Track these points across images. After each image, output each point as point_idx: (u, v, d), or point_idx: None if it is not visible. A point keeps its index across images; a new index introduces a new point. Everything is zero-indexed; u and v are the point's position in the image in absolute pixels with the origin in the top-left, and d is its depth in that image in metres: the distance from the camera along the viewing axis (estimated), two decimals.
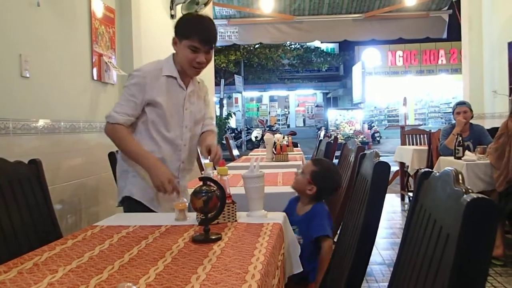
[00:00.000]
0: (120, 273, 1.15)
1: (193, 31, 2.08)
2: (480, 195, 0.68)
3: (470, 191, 0.74)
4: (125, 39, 3.93)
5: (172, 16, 5.38)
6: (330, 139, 4.54)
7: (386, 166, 1.36)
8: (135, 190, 2.14)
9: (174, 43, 2.16)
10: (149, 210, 2.13)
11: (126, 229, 1.60)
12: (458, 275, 0.68)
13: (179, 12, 5.49)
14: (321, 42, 22.09)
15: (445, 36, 8.72)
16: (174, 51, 2.21)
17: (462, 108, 4.52)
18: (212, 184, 1.50)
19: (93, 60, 3.36)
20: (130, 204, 2.13)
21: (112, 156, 2.73)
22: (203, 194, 1.46)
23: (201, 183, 1.51)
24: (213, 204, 1.47)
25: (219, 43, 8.91)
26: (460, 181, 0.82)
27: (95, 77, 3.38)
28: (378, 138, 20.51)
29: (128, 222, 1.71)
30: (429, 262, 0.85)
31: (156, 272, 1.14)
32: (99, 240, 1.46)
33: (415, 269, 0.94)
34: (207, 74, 7.02)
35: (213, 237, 1.44)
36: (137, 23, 4.06)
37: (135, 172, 2.14)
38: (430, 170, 1.07)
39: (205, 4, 5.58)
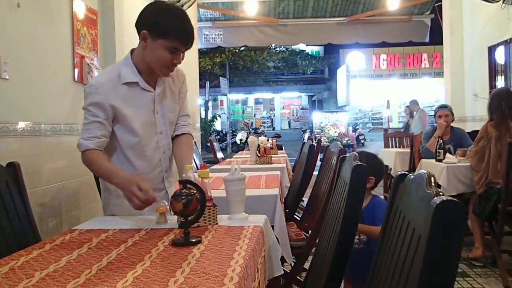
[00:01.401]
0: (98, 277, 1.14)
1: (174, 29, 1.81)
2: (449, 198, 0.69)
3: (440, 193, 0.75)
4: (108, 41, 3.91)
5: None
6: (313, 142, 4.56)
7: (364, 169, 1.37)
8: (117, 211, 1.98)
9: (144, 38, 1.85)
10: None
11: (106, 233, 1.59)
12: (427, 277, 0.69)
13: None
14: (306, 45, 22.18)
15: (427, 40, 8.84)
16: (138, 47, 1.94)
17: (444, 111, 4.59)
18: (192, 187, 1.50)
19: (75, 61, 3.33)
20: None
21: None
22: (183, 197, 1.45)
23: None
24: (193, 207, 1.46)
25: (204, 45, 8.92)
26: (433, 184, 0.83)
27: (76, 79, 3.36)
28: (362, 141, 20.67)
29: (108, 226, 1.69)
30: (402, 264, 0.87)
31: (134, 276, 1.14)
32: (78, 244, 1.45)
33: (389, 272, 0.96)
34: (192, 76, 7.01)
35: (193, 240, 1.44)
36: (120, 24, 4.05)
37: (117, 192, 1.88)
38: (405, 172, 1.09)
39: (189, 6, 5.59)
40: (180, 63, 1.90)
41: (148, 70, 1.93)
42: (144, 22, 1.84)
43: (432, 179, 0.85)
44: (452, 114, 4.63)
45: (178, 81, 2.11)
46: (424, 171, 0.90)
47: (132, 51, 1.99)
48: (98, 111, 1.86)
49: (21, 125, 2.69)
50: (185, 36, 1.83)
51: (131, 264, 1.23)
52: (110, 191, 1.99)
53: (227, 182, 1.81)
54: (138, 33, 1.88)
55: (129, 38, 4.27)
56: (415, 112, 9.28)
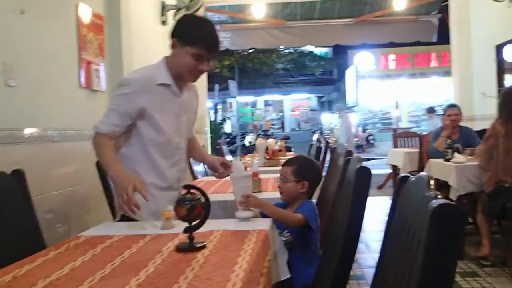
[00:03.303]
0: (101, 284, 1.14)
1: (200, 38, 1.97)
2: (447, 201, 0.68)
3: (439, 196, 0.74)
4: (114, 46, 3.92)
5: (164, 23, 5.39)
6: (320, 144, 4.55)
7: (367, 171, 1.37)
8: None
9: (174, 46, 2.02)
10: None
11: (111, 239, 1.59)
12: (426, 281, 0.68)
13: (170, 18, 5.50)
14: (314, 47, 22.15)
15: (435, 39, 8.78)
16: (170, 55, 2.08)
17: (453, 111, 4.56)
18: (196, 192, 1.50)
19: (81, 67, 3.35)
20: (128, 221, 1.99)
21: (99, 165, 2.71)
22: (187, 202, 1.46)
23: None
24: (197, 212, 1.46)
25: None
26: (432, 186, 0.83)
27: (83, 85, 3.37)
28: (372, 141, 20.57)
29: (113, 232, 1.70)
30: (403, 267, 0.86)
31: (137, 283, 1.14)
32: (82, 251, 1.45)
33: (391, 274, 0.95)
34: (201, 79, 7.03)
35: (198, 246, 1.44)
36: (127, 29, 4.06)
37: None
38: (407, 175, 1.08)
39: (197, 10, 5.61)
40: (206, 70, 2.07)
41: (178, 76, 2.08)
42: (176, 31, 2.03)
43: (432, 182, 0.84)
44: (461, 113, 4.60)
45: (196, 99, 2.33)
46: (424, 173, 0.89)
47: (167, 57, 2.12)
48: (124, 103, 1.99)
49: (28, 131, 2.71)
50: (210, 44, 2.00)
51: (134, 270, 1.24)
52: None
53: (234, 179, 1.91)
54: (171, 41, 2.04)
55: (136, 43, 4.29)
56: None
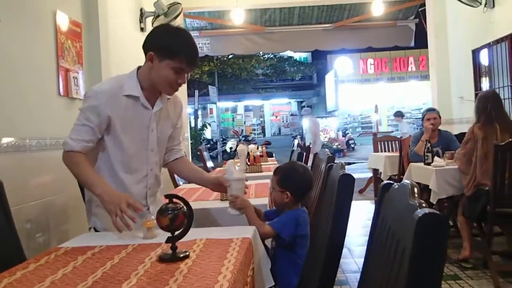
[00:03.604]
0: None
1: (180, 51, 1.87)
2: (431, 210, 0.69)
3: (424, 205, 0.75)
4: (93, 54, 3.88)
5: (142, 29, 5.36)
6: (302, 149, 4.56)
7: (350, 178, 1.37)
8: (98, 223, 2.01)
9: (150, 59, 1.91)
10: None
11: (92, 250, 1.57)
12: None
13: (149, 25, 5.47)
14: (294, 52, 22.27)
15: (412, 44, 8.92)
16: (144, 66, 1.99)
17: (432, 114, 4.62)
18: (178, 201, 1.49)
19: (60, 75, 3.30)
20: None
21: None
22: (169, 212, 1.44)
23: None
24: (179, 221, 1.45)
25: None
26: (416, 195, 0.83)
27: (61, 93, 3.32)
28: (352, 145, 20.75)
29: (95, 242, 1.67)
30: (388, 276, 0.86)
31: None
32: (63, 263, 1.42)
33: (376, 283, 0.95)
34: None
35: (181, 256, 1.42)
36: (105, 37, 4.02)
37: (98, 201, 1.87)
38: (390, 182, 1.08)
39: (176, 17, 5.58)
40: (184, 82, 1.96)
41: (150, 89, 1.99)
42: (151, 44, 1.92)
43: (416, 190, 0.84)
44: (440, 117, 4.66)
45: (176, 111, 2.20)
46: (408, 181, 0.90)
47: (139, 68, 2.03)
48: (93, 116, 1.89)
49: (5, 140, 2.66)
50: (190, 58, 1.90)
51: (117, 282, 1.21)
52: (92, 201, 1.99)
53: (233, 181, 2.00)
54: (145, 54, 1.94)
55: (114, 50, 4.25)
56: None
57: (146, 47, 1.94)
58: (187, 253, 1.44)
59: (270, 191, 2.25)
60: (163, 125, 2.10)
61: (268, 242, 2.17)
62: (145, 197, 2.09)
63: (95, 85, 2.00)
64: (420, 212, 0.70)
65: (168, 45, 1.88)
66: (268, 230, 2.03)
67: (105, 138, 1.96)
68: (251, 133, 28.62)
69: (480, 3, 5.59)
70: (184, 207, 1.47)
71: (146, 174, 2.07)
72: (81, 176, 1.89)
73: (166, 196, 1.49)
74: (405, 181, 0.91)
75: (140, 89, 1.97)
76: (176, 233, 1.46)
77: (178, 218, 1.44)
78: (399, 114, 10.79)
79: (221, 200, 2.66)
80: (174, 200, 1.48)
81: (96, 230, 2.02)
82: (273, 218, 2.23)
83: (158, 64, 1.89)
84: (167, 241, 1.45)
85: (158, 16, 5.45)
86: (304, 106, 31.00)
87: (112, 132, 1.95)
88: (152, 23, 5.49)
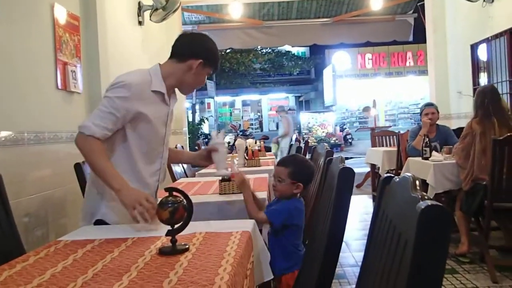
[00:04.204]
0: None
1: (217, 61, 2.14)
2: (434, 203, 0.69)
3: (426, 197, 0.75)
4: (91, 47, 3.87)
5: (140, 23, 5.34)
6: (300, 143, 4.56)
7: (351, 172, 1.37)
8: (110, 215, 1.97)
9: (193, 64, 2.03)
10: None
11: (92, 243, 1.57)
12: (414, 283, 0.68)
13: (147, 18, 5.45)
14: (292, 46, 22.25)
15: (411, 39, 8.91)
16: (169, 65, 2.07)
17: (430, 109, 4.61)
18: (178, 194, 1.49)
19: (58, 68, 3.29)
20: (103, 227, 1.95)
21: (78, 167, 2.66)
22: (169, 205, 1.44)
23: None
24: (179, 215, 1.45)
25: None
26: (418, 188, 0.83)
27: (59, 86, 3.31)
28: (350, 140, 20.76)
29: (94, 236, 1.67)
30: (389, 269, 0.86)
31: None
32: (63, 256, 1.42)
33: (377, 276, 0.95)
34: None
35: (180, 249, 1.42)
36: (103, 30, 4.01)
37: (111, 195, 1.88)
38: (391, 175, 1.08)
39: (174, 11, 5.56)
40: None
41: (171, 87, 2.10)
42: (201, 53, 2.07)
43: (417, 183, 0.84)
44: (438, 111, 4.66)
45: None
46: (410, 174, 0.90)
47: (161, 66, 2.10)
48: (121, 107, 1.90)
49: (3, 134, 2.65)
50: (218, 65, 2.17)
51: (117, 275, 1.22)
52: (104, 194, 1.97)
53: (218, 145, 2.24)
54: (182, 55, 2.06)
55: (112, 43, 4.23)
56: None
57: (193, 53, 2.05)
58: (187, 246, 1.45)
59: (274, 182, 2.27)
60: (171, 121, 2.20)
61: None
62: (156, 190, 2.14)
63: (122, 75, 1.99)
64: (422, 204, 0.70)
65: (215, 57, 2.12)
66: (262, 218, 2.15)
67: (128, 129, 1.97)
68: (248, 127, 28.59)
69: None
70: (184, 200, 1.47)
71: (160, 167, 2.14)
72: (98, 166, 1.86)
73: (166, 189, 1.49)
74: (407, 174, 0.91)
75: (165, 86, 2.05)
76: (176, 226, 1.46)
77: (178, 211, 1.44)
78: (367, 110, 10.91)
79: (220, 194, 2.66)
80: (174, 193, 1.49)
81: (104, 223, 1.97)
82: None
83: (201, 70, 2.07)
84: (167, 234, 1.45)
85: (156, 9, 5.42)
86: (302, 101, 31.03)
87: (136, 124, 1.97)
88: (150, 17, 5.47)
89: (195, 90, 2.38)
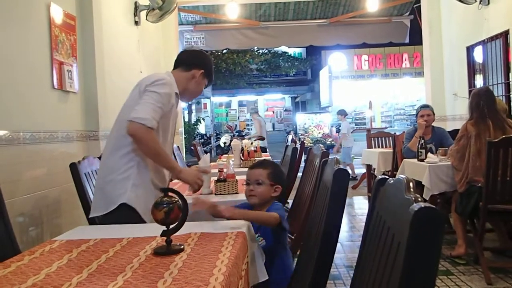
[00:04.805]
0: None
1: (212, 74, 2.48)
2: (427, 205, 0.69)
3: (419, 199, 0.75)
4: (87, 46, 3.86)
5: (136, 23, 5.33)
6: (296, 144, 4.57)
7: (345, 173, 1.37)
8: (135, 199, 2.11)
9: (198, 74, 2.34)
10: (140, 219, 2.09)
11: (87, 243, 1.56)
12: (406, 284, 0.69)
13: (143, 18, 5.45)
14: (288, 47, 22.27)
15: (407, 40, 8.94)
16: (177, 74, 2.33)
17: (426, 111, 4.63)
18: (173, 195, 1.49)
19: (54, 68, 3.29)
20: (125, 212, 2.08)
21: (73, 167, 2.66)
22: (164, 205, 1.44)
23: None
24: (174, 215, 1.45)
25: (185, 49, 8.89)
26: (411, 189, 0.83)
27: (55, 86, 3.31)
28: None
29: (89, 236, 1.67)
30: (383, 270, 0.86)
31: None
32: (58, 256, 1.42)
33: (371, 276, 0.96)
34: None
35: (175, 249, 1.43)
36: (99, 30, 4.00)
37: (137, 180, 2.12)
38: (385, 177, 1.09)
39: (172, 11, 5.55)
40: None
41: (180, 93, 2.35)
42: (203, 64, 2.39)
43: (411, 184, 0.85)
44: (434, 113, 4.67)
45: None
46: (403, 176, 0.90)
47: (173, 73, 2.36)
48: (166, 102, 2.16)
49: None
50: (212, 81, 2.53)
51: (112, 275, 1.22)
52: (130, 179, 2.12)
53: (206, 167, 2.51)
54: (189, 65, 2.36)
55: (108, 44, 4.23)
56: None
57: (196, 64, 2.37)
58: (182, 247, 1.45)
59: (250, 187, 2.14)
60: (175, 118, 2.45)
61: None
62: (169, 180, 2.41)
63: (155, 74, 2.26)
64: (416, 206, 0.70)
65: (212, 71, 2.48)
66: (276, 216, 1.97)
67: (159, 122, 2.16)
68: (244, 128, 28.59)
69: (475, 0, 5.60)
70: (180, 200, 1.47)
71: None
72: (162, 153, 2.14)
73: (161, 190, 1.49)
74: (401, 175, 0.92)
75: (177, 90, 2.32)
76: (171, 226, 1.46)
77: (173, 211, 1.44)
78: (342, 113, 10.86)
79: (215, 194, 2.66)
80: (170, 193, 1.49)
81: (126, 207, 2.08)
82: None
83: (201, 79, 2.38)
84: (162, 234, 1.45)
85: (153, 9, 5.42)
86: (298, 102, 31.06)
87: (164, 119, 2.19)
88: (147, 17, 5.46)
89: None
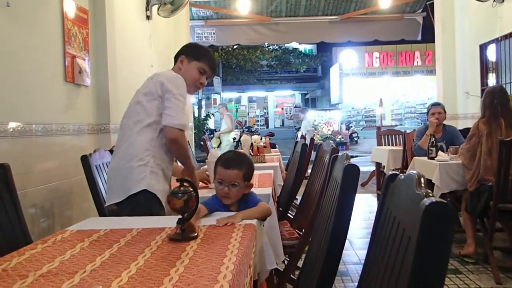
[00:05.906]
0: (92, 277, 1.14)
1: (205, 56, 2.44)
2: (438, 200, 0.70)
3: (430, 194, 0.76)
4: (99, 40, 3.89)
5: (148, 17, 5.35)
6: (306, 141, 4.57)
7: (356, 169, 1.37)
8: (155, 184, 2.20)
9: (181, 61, 2.42)
10: (160, 205, 2.19)
11: (97, 233, 1.59)
12: (416, 279, 0.69)
13: (155, 13, 5.46)
14: (299, 44, 22.22)
15: (419, 38, 8.87)
16: (176, 69, 2.41)
17: (437, 109, 4.60)
18: (187, 185, 1.52)
19: (66, 61, 3.31)
20: (145, 197, 2.16)
21: (84, 160, 2.69)
22: (183, 194, 1.48)
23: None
24: (192, 203, 1.49)
25: None
26: (422, 185, 0.84)
27: (67, 79, 3.34)
28: (355, 139, 20.71)
29: (98, 226, 1.69)
30: (392, 265, 0.87)
31: (129, 275, 1.14)
32: (70, 245, 1.44)
33: (380, 272, 0.96)
34: None
35: (190, 236, 1.46)
36: (111, 24, 4.03)
37: (154, 167, 2.22)
38: (396, 173, 1.09)
39: (184, 5, 5.56)
40: (205, 84, 2.51)
41: None
42: (183, 51, 2.47)
43: (422, 180, 0.85)
44: (445, 111, 4.65)
45: None
46: (415, 172, 0.91)
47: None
48: (186, 103, 2.32)
49: (12, 125, 2.68)
50: (212, 62, 2.48)
51: (125, 263, 1.24)
52: (148, 165, 2.21)
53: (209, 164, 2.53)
54: (176, 57, 2.46)
55: (120, 38, 4.25)
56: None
57: (179, 53, 2.46)
58: (196, 234, 1.48)
59: (226, 189, 1.90)
60: None
61: None
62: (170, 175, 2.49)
63: (172, 72, 2.35)
64: (427, 200, 0.71)
65: (197, 50, 2.48)
66: (268, 207, 1.92)
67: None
68: (254, 124, 28.61)
69: None
70: (193, 191, 1.51)
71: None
72: (190, 157, 2.40)
73: (178, 180, 1.53)
74: (412, 171, 0.92)
75: None
76: (185, 215, 1.49)
77: (191, 200, 1.48)
78: (303, 111, 10.80)
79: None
80: (185, 183, 1.52)
81: (147, 192, 2.17)
82: (221, 208, 1.95)
83: (187, 65, 2.41)
84: (178, 222, 1.48)
85: (165, 4, 5.43)
86: (308, 99, 31.00)
87: None
88: (158, 11, 5.48)
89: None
